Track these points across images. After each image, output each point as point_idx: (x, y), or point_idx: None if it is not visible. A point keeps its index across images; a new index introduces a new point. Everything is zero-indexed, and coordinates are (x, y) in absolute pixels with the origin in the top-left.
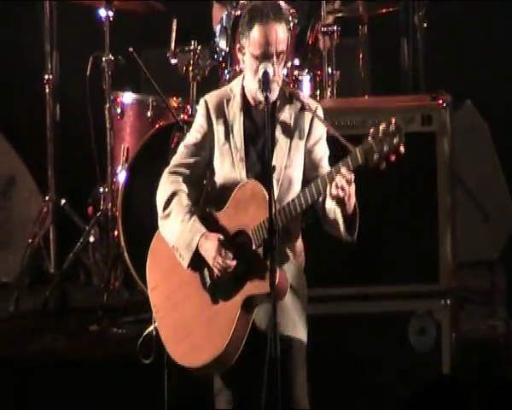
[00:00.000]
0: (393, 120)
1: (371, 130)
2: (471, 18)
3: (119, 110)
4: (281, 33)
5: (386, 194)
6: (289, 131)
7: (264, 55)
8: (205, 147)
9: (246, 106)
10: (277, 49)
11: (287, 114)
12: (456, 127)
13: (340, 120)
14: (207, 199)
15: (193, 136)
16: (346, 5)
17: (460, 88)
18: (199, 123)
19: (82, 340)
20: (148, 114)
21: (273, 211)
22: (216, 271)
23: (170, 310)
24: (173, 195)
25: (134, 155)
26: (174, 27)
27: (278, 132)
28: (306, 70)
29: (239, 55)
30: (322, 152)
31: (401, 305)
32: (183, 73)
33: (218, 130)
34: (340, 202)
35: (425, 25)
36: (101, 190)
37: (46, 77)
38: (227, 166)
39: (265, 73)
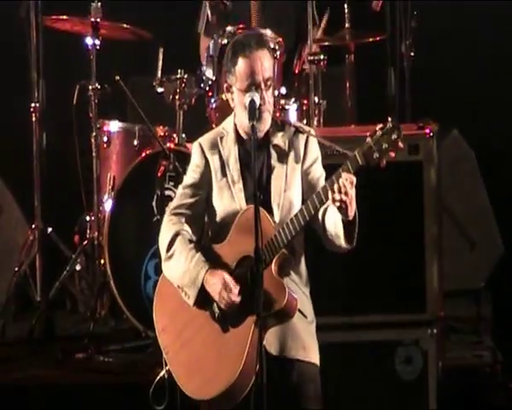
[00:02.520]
0: (389, 118)
1: (369, 133)
2: (458, 46)
3: (105, 139)
4: (265, 61)
5: (373, 223)
6: (284, 157)
7: (252, 85)
8: (203, 186)
9: (239, 139)
10: (264, 77)
11: (280, 141)
12: (443, 156)
13: (327, 150)
14: (210, 239)
15: (190, 176)
16: (332, 34)
17: (447, 117)
18: (195, 163)
19: (68, 368)
20: (135, 142)
21: (259, 243)
22: (222, 306)
23: (180, 348)
24: (175, 235)
25: (120, 183)
26: (161, 56)
27: (274, 160)
28: (293, 99)
29: (228, 95)
30: (319, 173)
31: (388, 334)
32: (170, 101)
33: (215, 166)
34: (343, 207)
35: (412, 53)
36: (88, 218)
37: (33, 105)
38: (226, 200)
39: (252, 102)
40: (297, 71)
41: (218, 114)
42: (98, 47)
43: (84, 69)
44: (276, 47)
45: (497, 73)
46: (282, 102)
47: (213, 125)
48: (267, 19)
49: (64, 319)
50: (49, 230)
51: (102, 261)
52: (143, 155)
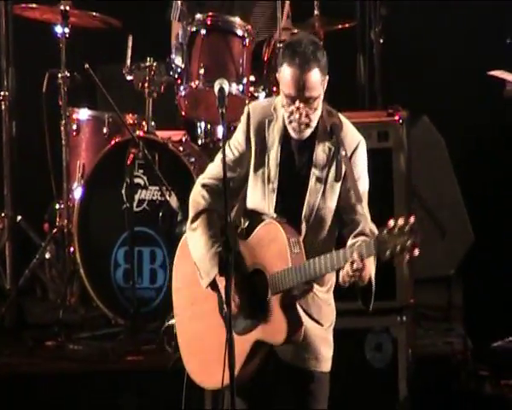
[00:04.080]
0: (412, 220)
1: (390, 222)
2: (427, 33)
3: (74, 127)
4: (311, 78)
5: None
6: (325, 172)
7: (292, 98)
8: (241, 164)
9: (285, 133)
10: (305, 96)
11: (326, 150)
12: (413, 143)
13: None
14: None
15: (232, 151)
16: (302, 21)
17: (417, 103)
18: (239, 140)
19: (38, 355)
20: (104, 130)
21: (227, 228)
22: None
23: (188, 319)
24: (203, 211)
25: (90, 171)
26: (130, 44)
27: (313, 170)
28: (262, 86)
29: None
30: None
31: (358, 321)
32: (139, 89)
33: (256, 153)
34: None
35: (381, 40)
36: (58, 206)
37: (2, 93)
38: (257, 195)
39: (221, 89)
40: (266, 58)
41: (187, 101)
42: (68, 35)
43: (54, 57)
44: (245, 35)
45: (467, 60)
46: (252, 89)
47: (183, 113)
48: (244, 8)
49: (34, 306)
50: (19, 218)
51: (72, 249)
52: (113, 142)
